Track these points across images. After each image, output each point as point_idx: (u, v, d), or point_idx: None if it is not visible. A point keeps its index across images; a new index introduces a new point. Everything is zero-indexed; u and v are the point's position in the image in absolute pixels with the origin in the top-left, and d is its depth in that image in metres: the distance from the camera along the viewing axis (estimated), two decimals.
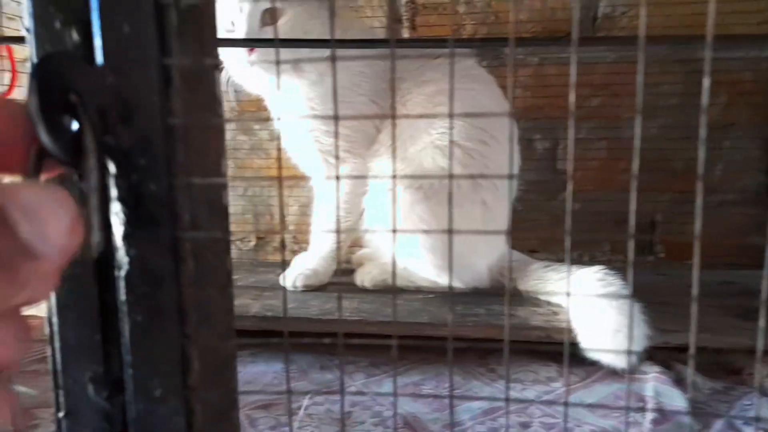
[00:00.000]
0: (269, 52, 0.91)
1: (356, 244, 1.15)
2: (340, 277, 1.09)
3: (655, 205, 1.23)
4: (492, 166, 0.95)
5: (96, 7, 0.19)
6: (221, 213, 0.22)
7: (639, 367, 0.82)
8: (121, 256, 0.21)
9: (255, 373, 0.88)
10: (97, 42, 0.19)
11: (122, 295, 0.21)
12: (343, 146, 0.99)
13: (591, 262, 1.09)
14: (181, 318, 0.18)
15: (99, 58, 0.20)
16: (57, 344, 0.25)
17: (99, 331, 0.23)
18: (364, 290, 1.03)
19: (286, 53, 0.91)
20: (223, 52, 0.93)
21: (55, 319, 0.25)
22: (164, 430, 0.21)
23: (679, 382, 0.79)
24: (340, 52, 0.88)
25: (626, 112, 1.20)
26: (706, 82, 0.19)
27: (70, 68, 0.19)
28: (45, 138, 0.18)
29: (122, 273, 0.21)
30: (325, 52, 0.89)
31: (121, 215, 0.20)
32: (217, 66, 0.22)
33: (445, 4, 1.23)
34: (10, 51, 0.85)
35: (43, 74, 0.18)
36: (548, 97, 1.20)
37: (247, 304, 0.96)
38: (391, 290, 1.01)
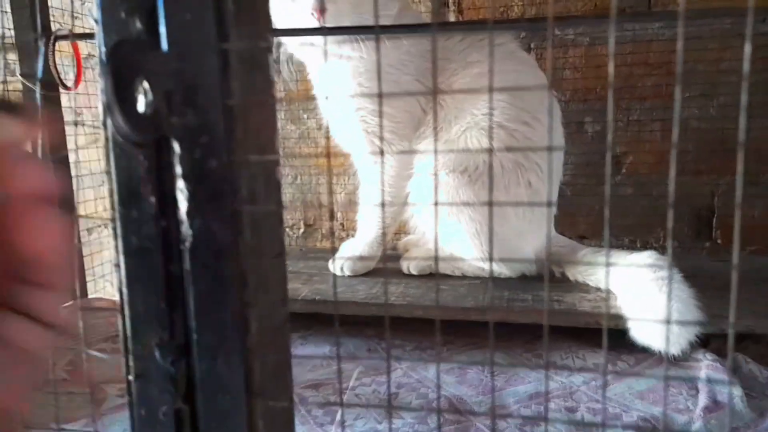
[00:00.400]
0: (341, 15, 0.91)
1: (402, 230, 1.16)
2: (386, 263, 1.10)
3: (714, 188, 1.18)
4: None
5: None
6: (275, 187, 0.23)
7: (692, 354, 0.80)
8: (186, 229, 0.23)
9: (305, 355, 0.91)
10: (162, 29, 0.21)
11: (187, 266, 0.23)
12: (390, 128, 1.00)
13: (644, 248, 1.06)
14: (240, 285, 0.19)
15: (163, 44, 0.21)
16: (127, 313, 0.27)
17: (165, 300, 0.25)
18: (409, 276, 1.04)
19: (353, 19, 0.91)
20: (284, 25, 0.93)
21: (125, 290, 0.27)
22: (226, 388, 0.23)
23: (734, 370, 0.77)
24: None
25: (683, 91, 1.15)
26: (748, 47, 0.19)
27: (139, 54, 0.21)
28: (119, 119, 0.19)
29: (187, 245, 0.23)
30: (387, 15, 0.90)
31: (186, 191, 0.22)
32: (270, 49, 0.24)
33: None
34: (75, 47, 0.90)
35: (115, 60, 0.20)
36: (600, 78, 1.17)
37: (296, 288, 0.99)
38: (436, 276, 1.02)
